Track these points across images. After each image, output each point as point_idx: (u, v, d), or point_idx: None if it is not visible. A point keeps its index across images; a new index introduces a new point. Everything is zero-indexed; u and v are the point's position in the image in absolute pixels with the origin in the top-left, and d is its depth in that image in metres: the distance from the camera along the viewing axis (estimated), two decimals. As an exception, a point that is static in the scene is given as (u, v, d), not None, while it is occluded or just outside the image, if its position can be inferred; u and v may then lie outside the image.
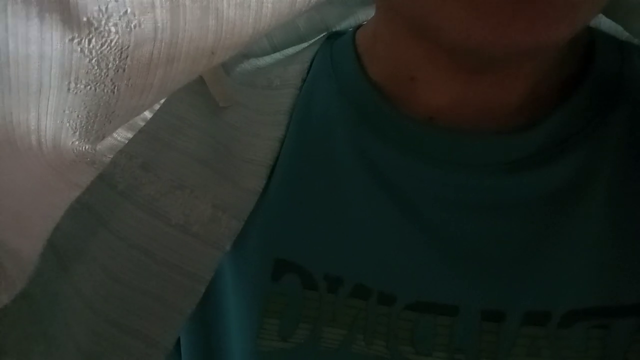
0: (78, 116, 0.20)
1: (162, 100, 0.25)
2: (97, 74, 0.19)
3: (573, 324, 0.29)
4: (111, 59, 0.19)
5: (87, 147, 0.21)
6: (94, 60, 0.19)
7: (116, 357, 0.31)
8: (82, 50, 0.18)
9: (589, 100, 0.31)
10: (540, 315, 0.29)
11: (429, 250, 0.31)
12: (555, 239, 0.30)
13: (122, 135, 0.27)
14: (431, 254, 0.31)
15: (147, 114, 0.31)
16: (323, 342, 0.31)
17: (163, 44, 0.19)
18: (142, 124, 0.30)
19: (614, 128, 0.31)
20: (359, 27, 0.38)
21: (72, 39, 0.18)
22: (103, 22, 0.18)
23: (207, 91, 0.35)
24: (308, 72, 0.36)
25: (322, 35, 0.39)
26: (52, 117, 0.19)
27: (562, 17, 0.24)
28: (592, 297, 0.29)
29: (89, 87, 0.19)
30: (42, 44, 0.18)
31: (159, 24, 0.19)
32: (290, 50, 0.39)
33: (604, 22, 0.34)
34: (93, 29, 0.18)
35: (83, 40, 0.18)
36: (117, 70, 0.19)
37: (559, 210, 0.30)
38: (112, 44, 0.19)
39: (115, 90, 0.20)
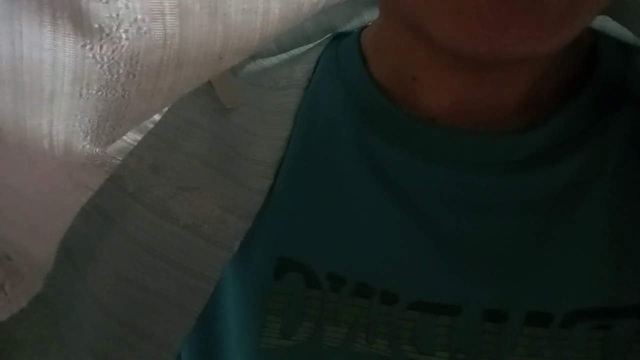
0: (89, 121, 0.20)
1: None
2: (108, 80, 0.19)
3: (575, 324, 0.29)
4: (122, 64, 0.19)
5: (97, 150, 0.22)
6: (105, 66, 0.19)
7: (126, 357, 0.31)
8: (94, 57, 0.19)
9: (592, 101, 0.31)
10: (542, 315, 0.29)
11: (432, 250, 0.30)
12: (557, 240, 0.30)
13: (131, 137, 0.27)
14: (434, 254, 0.30)
15: (156, 116, 0.31)
16: (325, 340, 0.31)
17: (172, 49, 0.20)
18: (151, 126, 0.31)
19: (617, 129, 0.31)
20: (364, 27, 0.38)
21: (84, 45, 0.19)
22: (114, 28, 0.19)
23: (214, 93, 0.35)
24: (314, 72, 0.36)
25: (327, 35, 0.39)
26: (63, 121, 0.20)
27: (557, 27, 0.24)
28: (593, 297, 0.29)
29: (100, 92, 0.20)
30: (55, 50, 0.18)
31: (168, 30, 0.19)
32: (296, 51, 0.39)
33: (610, 25, 0.34)
34: (104, 35, 0.19)
35: (95, 47, 0.19)
36: (128, 76, 0.20)
37: (561, 210, 0.30)
38: (123, 50, 0.19)
39: (126, 95, 0.20)
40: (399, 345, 0.30)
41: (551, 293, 0.29)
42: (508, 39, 0.23)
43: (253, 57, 0.39)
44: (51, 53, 0.18)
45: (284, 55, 0.39)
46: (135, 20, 0.19)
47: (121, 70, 0.19)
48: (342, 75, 0.35)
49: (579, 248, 0.29)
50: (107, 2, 0.18)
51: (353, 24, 0.40)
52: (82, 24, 0.18)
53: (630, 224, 0.29)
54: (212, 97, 0.35)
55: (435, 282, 0.30)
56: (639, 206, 0.29)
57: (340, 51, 0.37)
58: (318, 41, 0.39)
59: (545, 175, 0.30)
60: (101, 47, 0.19)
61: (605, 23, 0.33)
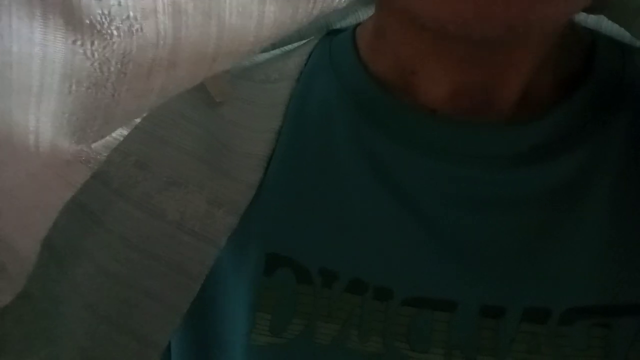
0: (77, 119, 0.20)
1: None
2: (99, 77, 0.19)
3: (574, 322, 0.29)
4: (113, 62, 0.19)
5: (82, 147, 0.21)
6: (95, 64, 0.19)
7: (112, 355, 0.31)
8: (84, 53, 0.19)
9: (591, 98, 0.31)
10: (540, 312, 0.29)
11: (428, 245, 0.30)
12: (555, 236, 0.29)
13: (117, 132, 0.27)
14: (429, 248, 0.30)
15: (143, 111, 0.31)
16: (316, 337, 0.30)
17: (165, 49, 0.19)
18: (138, 120, 0.30)
19: (616, 127, 0.30)
20: (358, 24, 0.38)
21: (74, 41, 0.18)
22: (105, 25, 0.18)
23: (203, 86, 0.34)
24: (305, 65, 0.36)
25: (321, 32, 0.39)
26: (51, 118, 0.19)
27: None
28: (592, 295, 0.29)
29: (89, 90, 0.19)
30: (45, 45, 0.18)
31: (161, 29, 0.19)
32: (290, 47, 0.39)
33: (606, 25, 0.34)
34: (96, 32, 0.18)
35: (85, 43, 0.18)
36: (119, 75, 0.19)
37: (560, 206, 0.30)
38: (114, 47, 0.19)
39: (116, 94, 0.20)
40: (392, 342, 0.30)
41: (549, 289, 0.29)
42: (495, 4, 0.23)
43: (245, 52, 0.38)
44: (41, 47, 0.18)
45: (277, 51, 0.39)
46: (127, 17, 0.19)
47: (112, 68, 0.19)
48: (336, 68, 0.35)
49: (578, 245, 0.29)
50: None
51: (348, 22, 0.39)
52: (73, 19, 0.18)
53: (630, 221, 0.29)
54: (201, 90, 0.34)
55: (430, 278, 0.30)
56: (638, 204, 0.30)
57: (334, 45, 0.36)
58: (312, 37, 0.39)
59: (544, 171, 0.30)
60: (92, 43, 0.19)
61: (601, 23, 0.34)
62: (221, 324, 0.33)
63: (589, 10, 0.31)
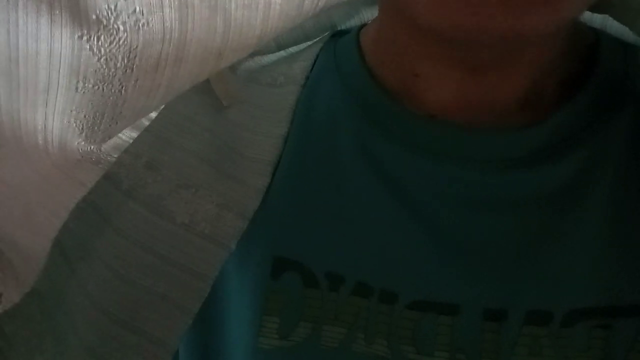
0: (85, 116, 0.20)
1: None
2: (106, 74, 0.19)
3: (575, 323, 0.29)
4: (120, 57, 0.19)
5: (92, 147, 0.21)
6: (102, 59, 0.19)
7: (122, 355, 0.31)
8: (90, 48, 0.18)
9: (593, 99, 0.31)
10: (542, 314, 0.29)
11: (431, 248, 0.30)
12: (557, 238, 0.29)
13: (127, 134, 0.27)
14: (433, 252, 0.30)
15: (152, 113, 0.31)
16: (323, 340, 0.30)
17: (171, 44, 0.19)
18: (147, 123, 0.30)
19: (618, 128, 0.31)
20: (363, 25, 0.38)
21: (81, 36, 0.18)
22: (112, 20, 0.18)
23: (211, 90, 0.34)
24: (312, 69, 0.36)
25: (326, 33, 0.39)
26: (59, 116, 0.19)
27: (542, 2, 0.23)
28: (593, 296, 0.29)
29: (96, 86, 0.19)
30: (52, 41, 0.18)
31: (167, 24, 0.19)
32: (295, 49, 0.39)
33: (611, 24, 0.34)
34: (102, 27, 0.18)
35: (92, 38, 0.18)
36: (126, 70, 0.19)
37: (562, 208, 0.30)
38: (121, 42, 0.19)
39: (123, 90, 0.20)
40: (398, 346, 0.30)
41: (551, 292, 0.29)
42: (487, 13, 0.23)
43: (251, 54, 0.38)
44: (47, 44, 0.18)
45: (283, 53, 0.39)
46: (134, 12, 0.18)
47: (119, 64, 0.19)
48: (341, 72, 0.35)
49: (579, 246, 0.29)
50: None
51: (352, 22, 0.40)
52: (79, 15, 0.18)
53: (631, 223, 0.29)
54: (209, 93, 0.34)
55: (434, 281, 0.30)
56: (638, 204, 0.29)
57: (339, 48, 0.37)
58: (317, 39, 0.39)
59: (546, 173, 0.30)
60: (98, 38, 0.18)
61: (607, 22, 0.33)
62: (227, 327, 0.33)
63: (594, 9, 0.31)
